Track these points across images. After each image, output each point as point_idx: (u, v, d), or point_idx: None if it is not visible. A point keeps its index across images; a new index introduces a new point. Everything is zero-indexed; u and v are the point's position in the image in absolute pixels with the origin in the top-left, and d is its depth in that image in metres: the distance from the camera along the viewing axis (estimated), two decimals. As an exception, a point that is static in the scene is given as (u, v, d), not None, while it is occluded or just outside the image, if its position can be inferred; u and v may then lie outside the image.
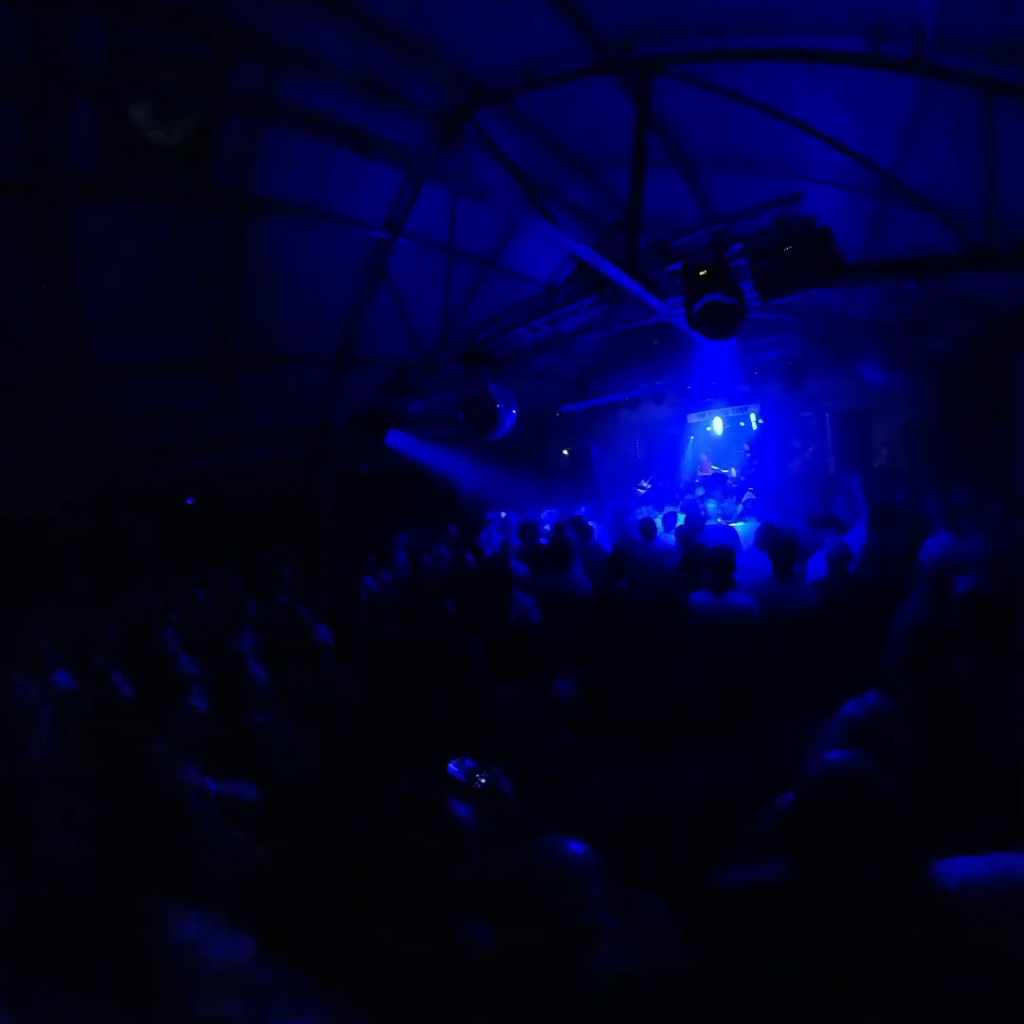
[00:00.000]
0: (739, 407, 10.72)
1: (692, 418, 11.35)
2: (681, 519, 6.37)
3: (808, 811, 1.11)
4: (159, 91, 3.88)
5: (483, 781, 1.60)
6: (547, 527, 7.10)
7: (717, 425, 11.30)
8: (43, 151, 3.97)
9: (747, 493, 8.52)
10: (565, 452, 12.46)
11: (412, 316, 6.47)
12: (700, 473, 11.16)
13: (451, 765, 1.62)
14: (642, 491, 10.14)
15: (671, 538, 5.25)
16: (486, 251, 7.10)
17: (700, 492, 10.28)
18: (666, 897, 1.25)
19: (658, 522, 6.11)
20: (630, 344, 10.40)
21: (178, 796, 1.64)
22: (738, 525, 6.19)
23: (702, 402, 10.77)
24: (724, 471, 10.87)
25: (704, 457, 11.37)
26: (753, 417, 10.82)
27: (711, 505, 7.66)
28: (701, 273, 3.18)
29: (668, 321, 5.18)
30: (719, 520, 6.59)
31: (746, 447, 10.67)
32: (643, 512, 7.50)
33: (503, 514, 8.32)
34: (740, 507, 7.52)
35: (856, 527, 4.18)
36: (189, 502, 7.48)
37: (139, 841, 1.57)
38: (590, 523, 6.27)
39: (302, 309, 6.43)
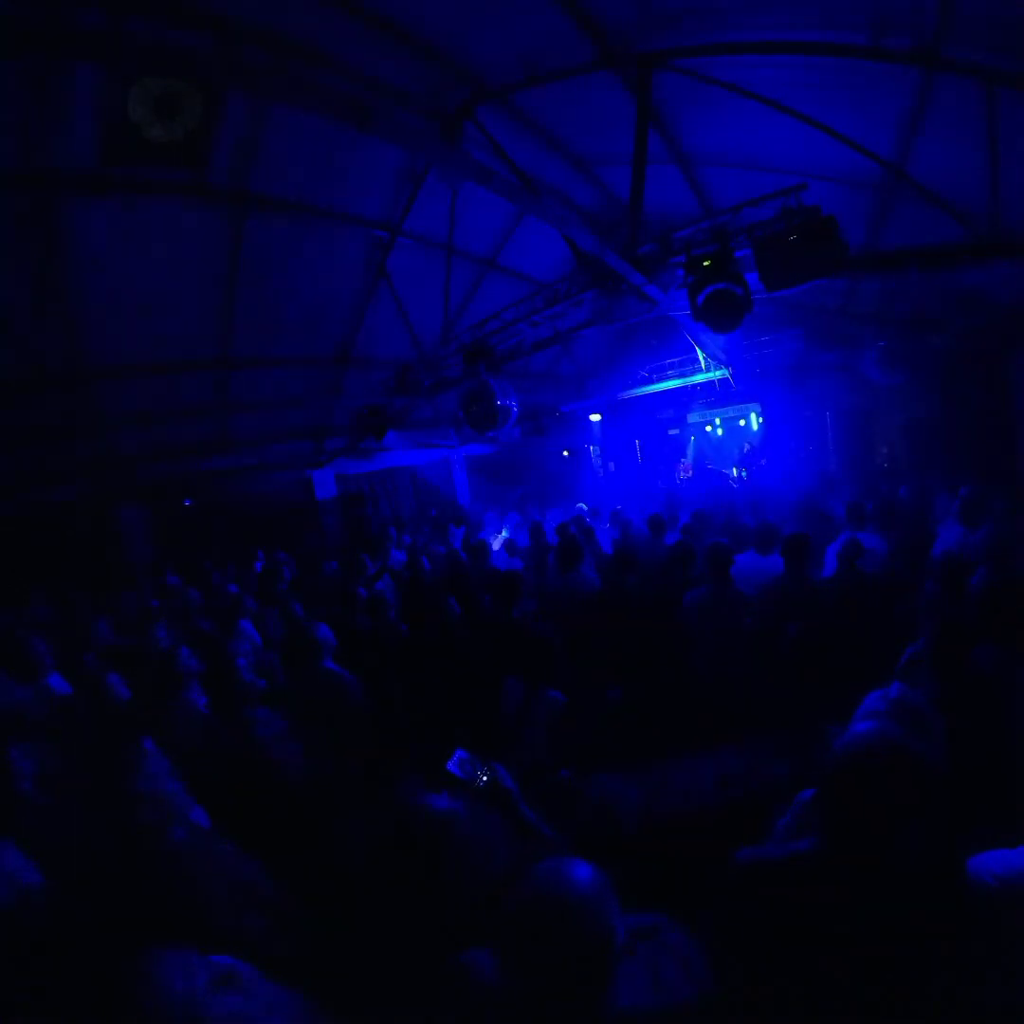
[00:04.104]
0: (739, 407, 10.69)
1: (692, 418, 11.32)
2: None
3: (839, 782, 1.05)
4: (158, 84, 3.84)
5: (484, 779, 1.53)
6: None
7: (717, 425, 11.28)
8: (41, 146, 3.93)
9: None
10: (565, 452, 12.43)
11: (412, 316, 6.44)
12: (682, 475, 11.12)
13: (450, 763, 1.55)
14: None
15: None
16: (485, 251, 7.08)
17: None
18: (683, 905, 1.18)
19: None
20: (630, 344, 10.38)
21: (163, 815, 1.54)
22: None
23: (702, 402, 10.74)
24: (725, 472, 10.83)
25: (684, 461, 11.32)
26: (753, 417, 10.79)
27: None
28: (705, 263, 3.13)
29: (668, 317, 5.14)
30: None
31: (746, 445, 10.64)
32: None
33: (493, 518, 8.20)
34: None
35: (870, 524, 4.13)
36: (187, 503, 7.41)
37: (118, 860, 1.45)
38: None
39: (302, 308, 6.39)
